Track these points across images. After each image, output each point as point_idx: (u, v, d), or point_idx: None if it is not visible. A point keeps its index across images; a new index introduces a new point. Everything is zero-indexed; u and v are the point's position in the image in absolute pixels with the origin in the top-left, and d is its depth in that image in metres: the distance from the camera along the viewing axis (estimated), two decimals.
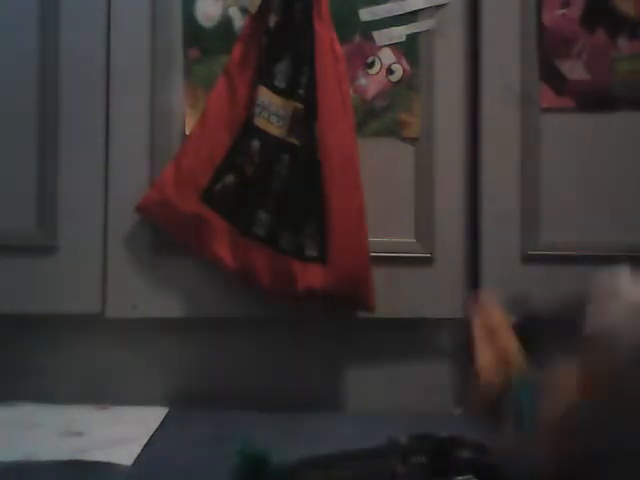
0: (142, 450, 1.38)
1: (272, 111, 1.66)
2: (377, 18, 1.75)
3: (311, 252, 1.64)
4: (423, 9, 1.75)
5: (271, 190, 1.65)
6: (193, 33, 1.74)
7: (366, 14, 1.75)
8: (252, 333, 1.75)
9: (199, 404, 1.68)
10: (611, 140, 1.74)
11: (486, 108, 1.74)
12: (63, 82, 1.73)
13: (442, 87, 1.75)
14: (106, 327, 1.72)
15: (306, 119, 1.65)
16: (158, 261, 1.73)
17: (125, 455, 1.34)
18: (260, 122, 1.66)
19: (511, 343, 0.85)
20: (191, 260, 1.72)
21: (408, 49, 1.75)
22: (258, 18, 1.68)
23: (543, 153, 1.74)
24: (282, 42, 1.67)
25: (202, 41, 1.74)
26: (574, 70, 1.76)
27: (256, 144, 1.66)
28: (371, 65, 1.75)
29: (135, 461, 1.32)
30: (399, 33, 1.76)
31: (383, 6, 1.75)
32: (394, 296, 1.72)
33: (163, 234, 1.72)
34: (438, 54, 1.75)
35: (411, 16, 1.75)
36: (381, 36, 1.76)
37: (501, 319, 0.89)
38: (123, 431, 1.51)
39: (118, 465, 1.30)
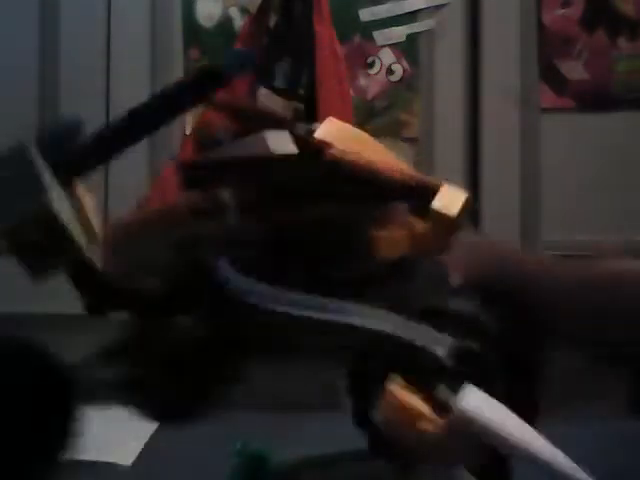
0: (142, 450, 1.38)
1: None
2: (377, 18, 1.75)
3: None
4: (423, 9, 1.76)
5: None
6: (193, 33, 1.74)
7: (366, 14, 1.75)
8: None
9: None
10: (611, 140, 1.74)
11: (486, 108, 1.74)
12: (63, 82, 1.73)
13: (442, 87, 1.75)
14: (106, 327, 1.72)
15: (306, 119, 1.65)
16: None
17: (125, 455, 1.34)
18: None
19: None
20: None
21: (408, 49, 1.75)
22: (258, 18, 1.68)
23: (543, 153, 1.74)
24: (282, 42, 1.67)
25: (202, 41, 1.74)
26: (574, 70, 1.76)
27: None
28: (371, 65, 1.75)
29: (135, 461, 1.32)
30: (399, 33, 1.76)
31: (383, 6, 1.75)
32: None
33: None
34: (438, 54, 1.75)
35: (411, 16, 1.75)
36: (381, 36, 1.76)
37: None
38: (123, 431, 1.51)
39: (118, 465, 1.30)
